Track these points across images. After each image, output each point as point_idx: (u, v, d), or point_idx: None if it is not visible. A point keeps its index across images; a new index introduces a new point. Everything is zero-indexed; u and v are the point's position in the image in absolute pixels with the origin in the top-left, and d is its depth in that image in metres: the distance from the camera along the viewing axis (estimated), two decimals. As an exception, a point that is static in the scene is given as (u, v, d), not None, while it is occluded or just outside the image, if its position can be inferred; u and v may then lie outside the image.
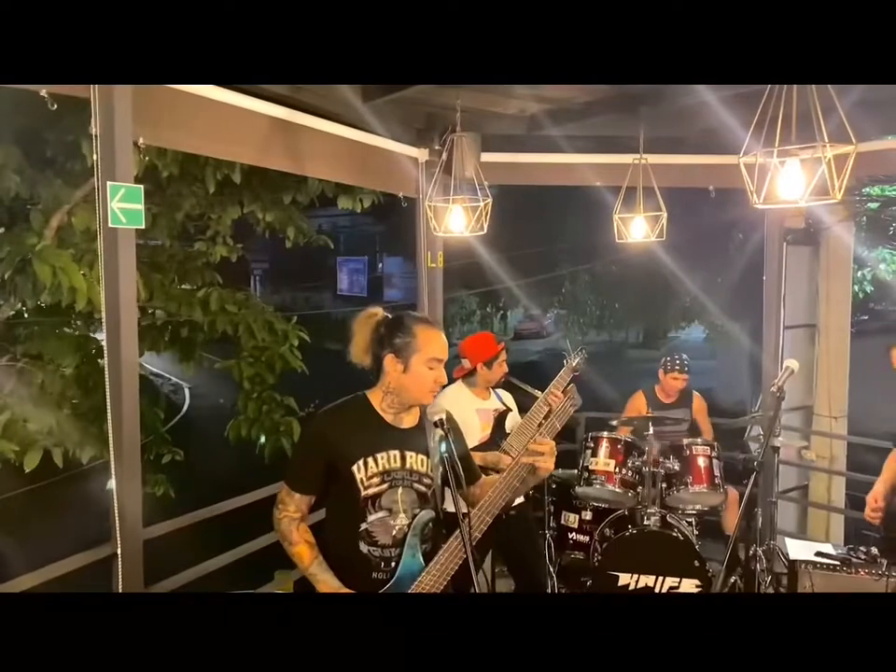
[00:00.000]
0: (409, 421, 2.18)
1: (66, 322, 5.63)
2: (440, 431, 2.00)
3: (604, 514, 4.12)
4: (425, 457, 2.15)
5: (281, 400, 5.80)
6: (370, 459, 2.11)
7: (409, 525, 2.12)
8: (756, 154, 2.13)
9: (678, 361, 4.65)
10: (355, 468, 2.09)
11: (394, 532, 2.11)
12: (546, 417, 2.23)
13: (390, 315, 2.19)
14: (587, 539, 4.18)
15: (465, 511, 1.92)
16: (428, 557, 2.12)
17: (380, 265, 30.09)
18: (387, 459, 2.13)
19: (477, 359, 3.54)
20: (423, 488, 2.16)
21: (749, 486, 2.56)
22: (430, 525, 2.15)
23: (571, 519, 4.26)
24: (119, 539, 2.61)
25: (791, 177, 2.14)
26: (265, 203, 5.91)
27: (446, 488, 2.10)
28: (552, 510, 4.31)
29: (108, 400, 2.63)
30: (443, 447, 2.00)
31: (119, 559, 2.61)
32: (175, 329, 6.11)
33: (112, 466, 2.62)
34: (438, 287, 4.63)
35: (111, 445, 2.63)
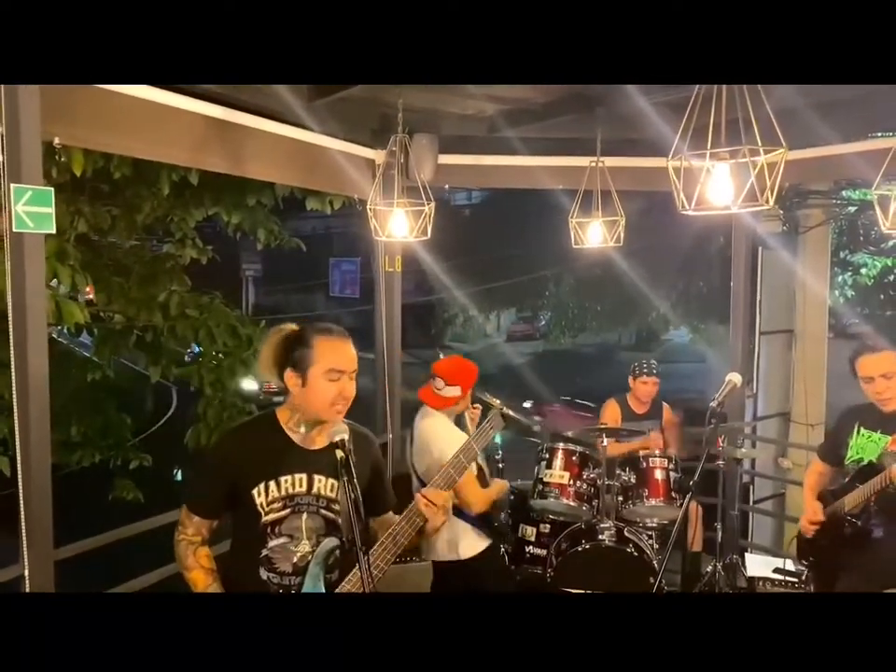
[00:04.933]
0: (319, 442, 2.03)
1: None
2: (340, 453, 1.87)
3: (562, 527, 3.99)
4: (334, 481, 2.02)
5: (243, 407, 5.69)
6: (271, 483, 1.98)
7: (312, 553, 1.99)
8: (682, 157, 2.02)
9: (645, 366, 4.55)
10: (255, 491, 1.97)
11: (295, 559, 1.99)
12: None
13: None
14: (544, 552, 4.05)
15: (362, 543, 1.79)
16: (333, 586, 2.00)
17: (374, 267, 29.86)
18: (291, 483, 2.00)
19: (469, 384, 3.22)
20: (331, 514, 2.03)
21: (683, 508, 2.45)
22: (335, 553, 2.03)
23: (529, 532, 4.13)
24: (26, 559, 2.48)
25: (720, 182, 2.02)
26: (228, 206, 5.78)
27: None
28: (509, 522, 4.18)
29: (16, 416, 2.49)
30: (343, 471, 1.87)
31: (27, 581, 2.48)
32: (140, 332, 5.99)
33: (20, 482, 2.49)
34: (396, 291, 4.52)
35: (19, 463, 2.50)
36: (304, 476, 2.01)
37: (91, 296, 6.09)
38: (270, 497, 1.97)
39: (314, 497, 2.01)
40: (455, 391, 3.17)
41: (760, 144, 2.01)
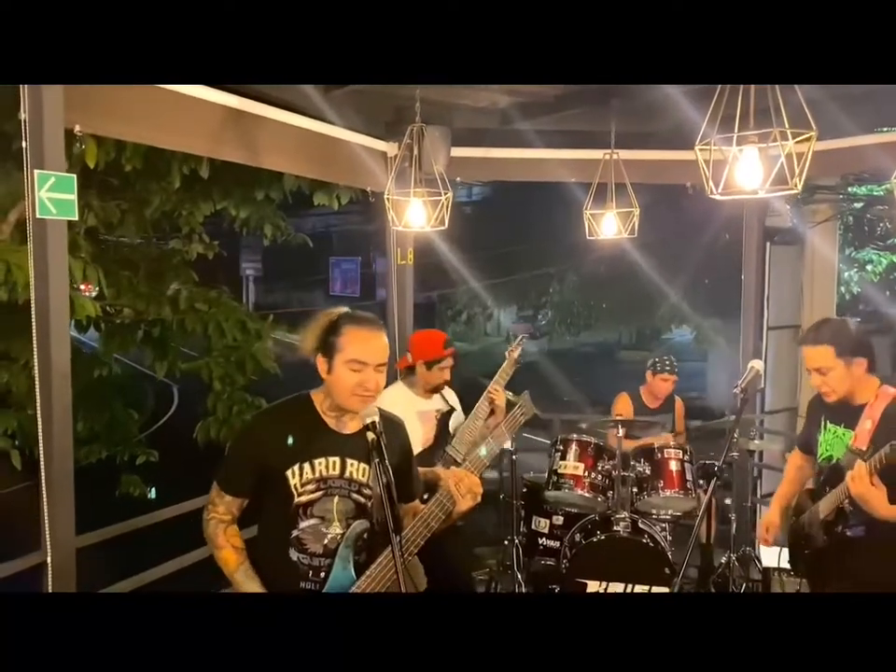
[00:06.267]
0: (353, 426, 2.04)
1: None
2: (371, 435, 1.87)
3: (575, 519, 3.99)
4: (366, 466, 2.03)
5: (252, 401, 5.68)
6: (306, 465, 1.99)
7: (342, 536, 2.00)
8: (711, 141, 2.02)
9: (667, 362, 4.50)
10: (289, 472, 1.98)
11: (325, 541, 2.00)
12: (490, 416, 2.10)
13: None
14: (558, 544, 4.05)
15: (395, 524, 1.79)
16: (361, 570, 2.00)
17: (374, 265, 29.89)
18: (325, 466, 2.01)
19: (418, 356, 3.32)
20: (361, 499, 2.04)
21: (709, 494, 2.44)
22: (364, 536, 2.03)
23: (542, 524, 4.13)
24: (49, 546, 2.48)
25: (749, 166, 2.03)
26: (237, 200, 5.77)
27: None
28: (522, 514, 4.19)
29: (38, 403, 2.49)
30: (374, 453, 1.87)
31: (49, 568, 2.48)
32: (148, 327, 5.98)
33: (42, 471, 2.49)
34: (408, 284, 4.52)
35: (41, 449, 2.49)
36: (338, 459, 2.02)
37: (86, 294, 6.07)
38: (304, 479, 1.98)
39: (346, 480, 2.02)
40: (407, 357, 3.39)
41: (788, 127, 2.01)
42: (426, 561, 3.17)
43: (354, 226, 26.34)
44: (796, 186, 1.99)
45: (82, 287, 5.55)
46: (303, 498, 1.98)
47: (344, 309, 2.04)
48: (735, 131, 1.98)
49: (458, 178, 4.57)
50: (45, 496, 2.48)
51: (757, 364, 2.55)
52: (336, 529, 2.00)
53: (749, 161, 2.01)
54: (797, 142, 1.99)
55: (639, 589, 3.57)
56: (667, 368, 4.47)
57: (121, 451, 6.43)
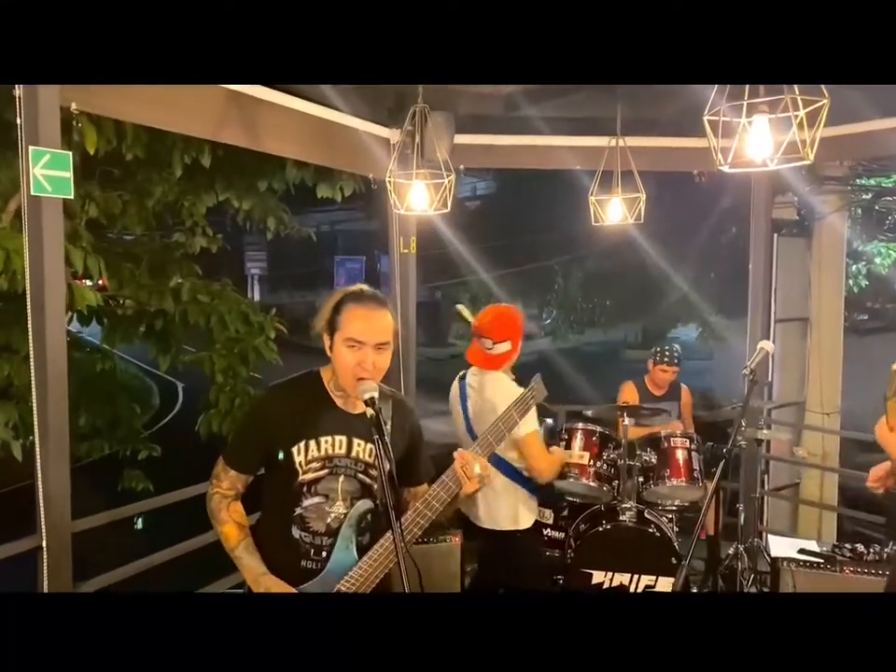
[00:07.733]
0: (361, 406, 1.99)
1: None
2: (369, 410, 1.82)
3: (580, 510, 3.94)
4: (373, 447, 1.99)
5: (255, 395, 5.63)
6: (312, 442, 1.96)
7: (345, 515, 1.97)
8: (720, 110, 1.96)
9: (667, 353, 4.49)
10: (295, 449, 1.95)
11: (329, 520, 1.97)
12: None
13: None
14: (563, 535, 3.99)
15: (395, 503, 1.74)
16: (365, 550, 1.96)
17: (378, 262, 29.90)
18: (332, 444, 1.98)
19: (519, 336, 3.05)
20: (367, 479, 2.00)
21: (716, 478, 2.39)
22: (368, 516, 2.00)
23: (546, 514, 4.05)
24: (44, 531, 2.44)
25: (759, 136, 1.97)
26: (239, 191, 5.73)
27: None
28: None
29: (34, 386, 2.46)
30: (373, 429, 1.82)
31: (45, 552, 2.44)
32: (150, 320, 5.94)
33: (38, 454, 2.45)
34: (411, 273, 4.47)
35: (36, 433, 2.46)
36: (344, 438, 1.99)
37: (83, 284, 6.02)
38: (309, 457, 1.95)
39: (352, 460, 1.99)
40: (505, 347, 3.00)
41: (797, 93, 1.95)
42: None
43: (357, 224, 26.37)
44: (808, 156, 1.93)
45: (76, 282, 5.52)
46: (308, 476, 1.95)
47: (361, 286, 2.00)
48: (745, 98, 1.92)
49: (462, 166, 4.52)
50: (40, 479, 2.44)
51: (766, 345, 2.50)
52: (340, 508, 1.97)
53: (759, 131, 1.95)
54: (808, 111, 1.93)
55: (645, 579, 3.51)
56: (666, 359, 4.45)
57: (123, 447, 6.39)
